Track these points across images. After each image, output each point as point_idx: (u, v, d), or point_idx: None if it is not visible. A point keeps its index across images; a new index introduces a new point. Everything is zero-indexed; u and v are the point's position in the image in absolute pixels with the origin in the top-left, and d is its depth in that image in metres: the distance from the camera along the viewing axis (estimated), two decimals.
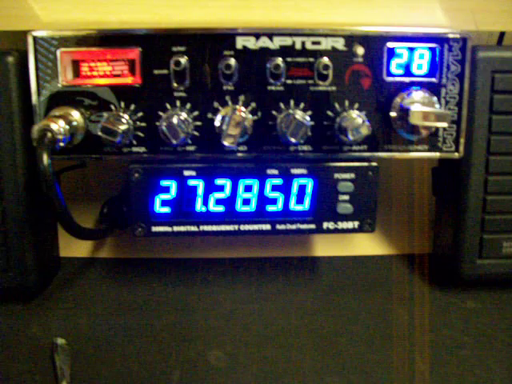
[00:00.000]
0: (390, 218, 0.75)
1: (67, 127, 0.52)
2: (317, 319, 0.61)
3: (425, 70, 0.57)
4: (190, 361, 0.54)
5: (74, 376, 0.52)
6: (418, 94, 0.56)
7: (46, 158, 0.49)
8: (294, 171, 0.59)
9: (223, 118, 0.55)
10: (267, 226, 0.60)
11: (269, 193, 0.59)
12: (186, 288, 0.67)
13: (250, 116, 0.56)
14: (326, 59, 0.56)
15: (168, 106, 0.56)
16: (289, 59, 0.56)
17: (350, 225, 0.60)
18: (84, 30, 0.54)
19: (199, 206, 0.59)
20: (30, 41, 0.54)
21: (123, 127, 0.54)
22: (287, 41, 0.55)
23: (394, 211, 0.75)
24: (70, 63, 0.55)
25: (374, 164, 0.59)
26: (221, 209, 0.59)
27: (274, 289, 0.67)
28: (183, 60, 0.55)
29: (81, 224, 0.55)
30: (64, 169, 0.67)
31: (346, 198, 0.59)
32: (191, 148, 0.58)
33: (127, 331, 0.59)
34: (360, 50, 0.56)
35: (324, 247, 0.75)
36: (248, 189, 0.59)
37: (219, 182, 0.58)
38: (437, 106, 0.56)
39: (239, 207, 0.59)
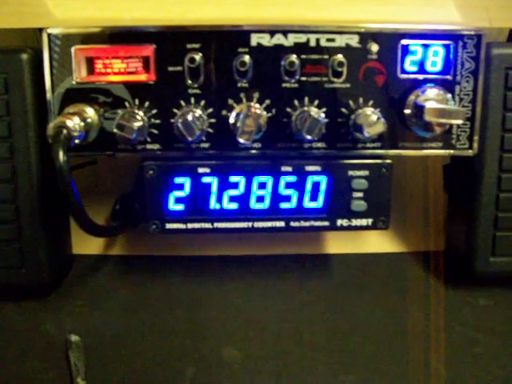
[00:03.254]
0: (404, 215, 0.74)
1: (82, 124, 0.52)
2: (330, 317, 0.61)
3: (439, 67, 0.57)
4: (204, 358, 0.54)
5: (89, 373, 0.52)
6: (432, 91, 0.55)
7: (62, 155, 0.48)
8: (308, 168, 0.58)
9: (238, 114, 0.55)
10: (281, 223, 0.60)
11: (283, 190, 0.59)
12: (199, 285, 0.67)
13: (264, 113, 0.56)
14: (340, 56, 0.55)
15: (182, 102, 0.56)
16: (303, 56, 0.55)
17: (363, 222, 0.60)
18: (98, 27, 0.54)
19: (213, 203, 0.59)
20: (45, 38, 0.54)
21: (138, 124, 0.54)
22: (302, 38, 0.55)
23: (407, 208, 0.75)
24: (84, 60, 0.55)
25: (388, 161, 0.59)
26: (235, 206, 0.59)
27: (288, 286, 0.67)
28: (198, 57, 0.55)
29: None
30: (73, 167, 0.67)
31: (360, 195, 0.59)
32: (205, 145, 0.57)
33: (141, 328, 0.59)
34: (374, 47, 0.56)
35: (337, 245, 0.75)
36: (262, 186, 0.59)
37: (233, 179, 0.58)
38: (451, 103, 0.56)
39: (253, 204, 0.59)
